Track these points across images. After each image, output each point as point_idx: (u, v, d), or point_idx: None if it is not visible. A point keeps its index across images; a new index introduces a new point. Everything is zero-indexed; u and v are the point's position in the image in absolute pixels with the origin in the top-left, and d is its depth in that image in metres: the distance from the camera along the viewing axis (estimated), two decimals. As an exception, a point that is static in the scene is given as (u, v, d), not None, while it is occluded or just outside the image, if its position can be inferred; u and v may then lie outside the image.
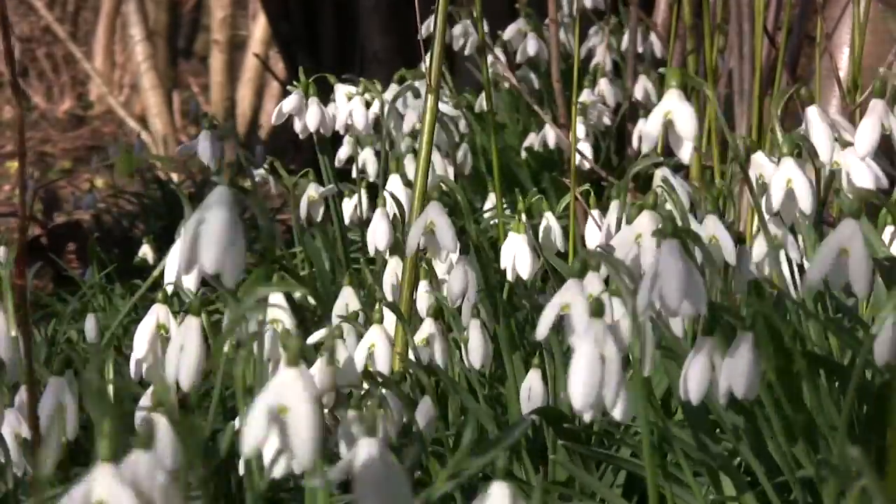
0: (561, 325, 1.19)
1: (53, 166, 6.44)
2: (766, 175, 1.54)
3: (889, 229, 1.59)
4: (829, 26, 2.23)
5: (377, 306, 1.65)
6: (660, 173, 1.61)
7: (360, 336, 1.62)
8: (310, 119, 2.14)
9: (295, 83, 2.17)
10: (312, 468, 0.88)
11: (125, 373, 1.77)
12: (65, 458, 1.63)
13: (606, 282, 1.21)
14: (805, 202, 1.42)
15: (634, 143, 2.81)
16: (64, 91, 8.30)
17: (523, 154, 2.87)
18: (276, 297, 1.25)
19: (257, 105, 6.53)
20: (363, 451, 0.90)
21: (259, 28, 6.47)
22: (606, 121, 2.78)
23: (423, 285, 1.73)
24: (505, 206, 2.53)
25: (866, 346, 1.21)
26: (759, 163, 1.56)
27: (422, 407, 1.52)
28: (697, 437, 1.35)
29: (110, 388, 1.64)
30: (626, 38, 3.17)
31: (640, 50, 3.08)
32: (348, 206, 2.39)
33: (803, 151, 1.54)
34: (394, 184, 2.07)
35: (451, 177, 2.30)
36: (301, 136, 2.17)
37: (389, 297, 1.78)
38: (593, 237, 1.79)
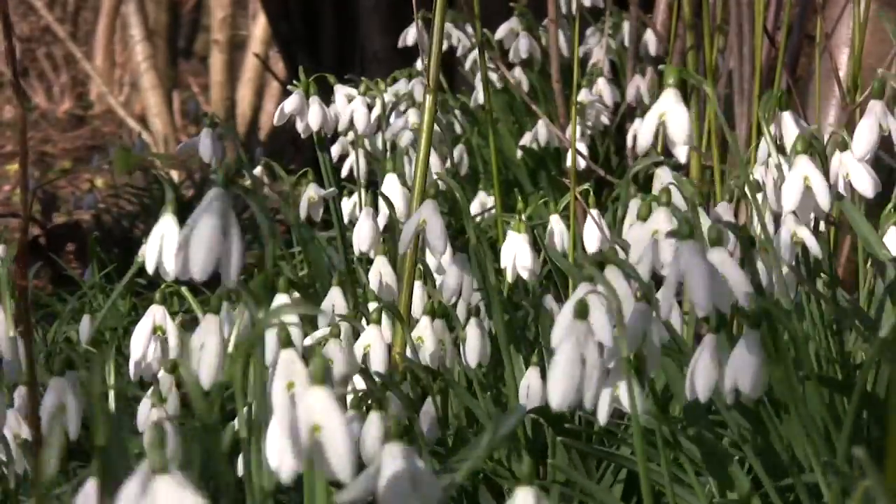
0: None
1: (53, 166, 6.44)
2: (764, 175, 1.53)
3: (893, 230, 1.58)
4: (829, 26, 2.23)
5: (369, 306, 1.65)
6: (661, 173, 1.61)
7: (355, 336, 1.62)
8: (312, 119, 2.13)
9: (295, 83, 2.17)
10: (352, 479, 0.88)
11: (125, 373, 1.77)
12: (64, 458, 1.63)
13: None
14: (823, 199, 1.42)
15: (629, 142, 2.81)
16: (64, 91, 8.30)
17: (519, 153, 2.87)
18: (284, 301, 1.25)
19: (257, 105, 6.53)
20: (388, 458, 0.90)
21: (259, 28, 6.47)
22: (605, 120, 2.78)
23: (418, 285, 1.73)
24: (491, 206, 2.53)
25: (873, 351, 1.22)
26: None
27: (425, 408, 1.52)
28: (700, 437, 1.36)
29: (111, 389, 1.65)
30: (624, 37, 3.18)
31: (643, 50, 3.08)
32: (348, 206, 2.38)
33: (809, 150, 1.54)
34: (390, 183, 2.07)
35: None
36: (303, 136, 2.17)
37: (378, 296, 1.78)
38: (592, 237, 1.78)
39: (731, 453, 1.37)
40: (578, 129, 2.71)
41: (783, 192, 1.43)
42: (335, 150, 2.66)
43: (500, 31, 3.02)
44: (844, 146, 1.54)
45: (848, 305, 1.54)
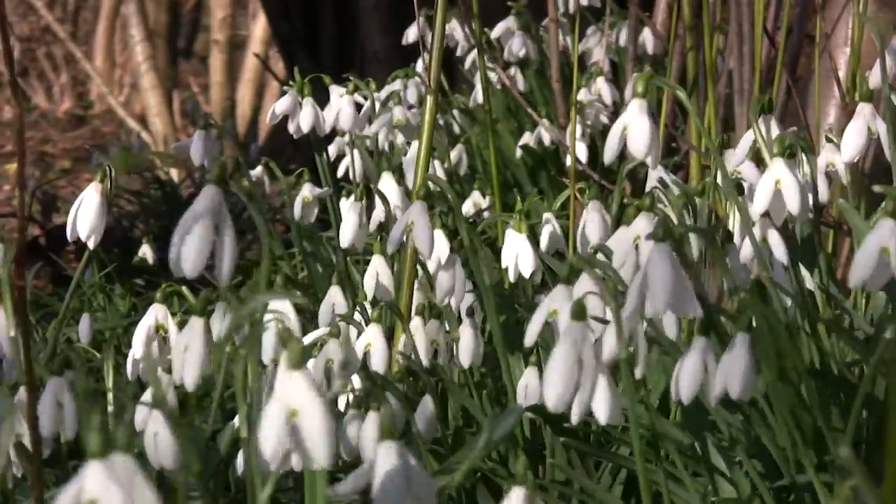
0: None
1: (53, 166, 6.44)
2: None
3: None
4: (829, 26, 2.23)
5: (370, 305, 1.65)
6: (654, 174, 1.61)
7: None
8: (303, 120, 2.13)
9: (291, 83, 2.16)
10: (330, 466, 0.87)
11: (125, 373, 1.77)
12: (64, 458, 1.63)
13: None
14: (793, 204, 1.41)
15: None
16: (64, 91, 8.30)
17: (518, 153, 2.87)
18: (281, 302, 1.26)
19: (257, 105, 6.53)
20: (383, 457, 0.90)
21: (259, 28, 6.47)
22: (604, 119, 2.78)
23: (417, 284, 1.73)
24: (487, 206, 2.53)
25: (877, 354, 1.21)
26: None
27: (421, 407, 1.52)
28: (700, 438, 1.35)
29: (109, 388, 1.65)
30: (623, 37, 3.17)
31: (640, 50, 3.08)
32: (346, 206, 2.38)
33: (799, 152, 1.53)
34: (386, 182, 2.06)
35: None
36: (295, 137, 2.16)
37: (370, 296, 1.77)
38: (593, 232, 1.77)
39: (729, 455, 1.37)
40: (578, 128, 2.71)
41: (755, 195, 1.43)
42: (332, 151, 2.66)
43: (497, 30, 3.01)
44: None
45: (839, 313, 1.53)
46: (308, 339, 1.53)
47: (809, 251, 1.58)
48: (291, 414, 0.87)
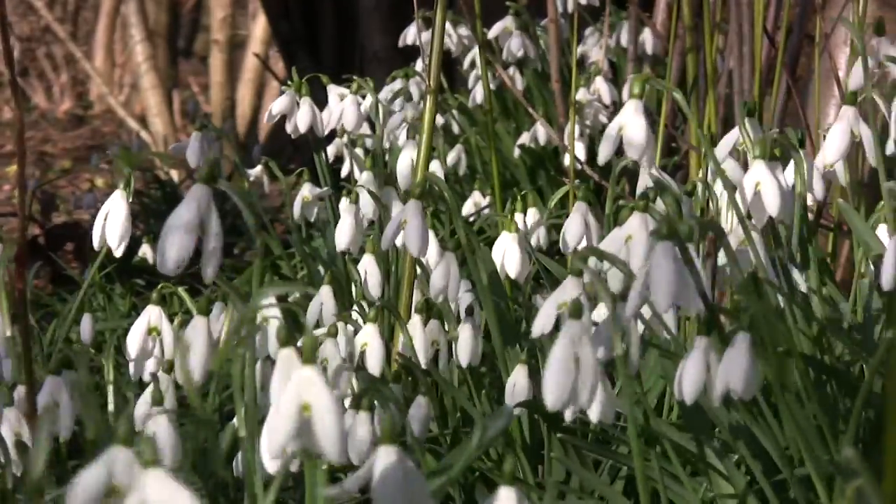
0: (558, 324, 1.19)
1: (53, 166, 6.44)
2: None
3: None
4: (829, 26, 2.23)
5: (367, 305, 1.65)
6: (647, 173, 1.61)
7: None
8: (300, 120, 2.13)
9: (289, 83, 2.16)
10: (342, 462, 0.87)
11: (125, 373, 1.77)
12: (63, 458, 1.63)
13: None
14: (773, 206, 1.40)
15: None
16: (64, 91, 8.30)
17: (516, 152, 2.87)
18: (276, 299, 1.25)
19: (257, 105, 6.52)
20: (382, 459, 0.90)
21: (259, 27, 6.47)
22: (603, 119, 2.78)
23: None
24: (486, 204, 2.53)
25: (879, 354, 1.21)
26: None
27: (415, 406, 1.51)
28: (697, 438, 1.36)
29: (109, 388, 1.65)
30: (622, 37, 3.17)
31: (640, 50, 3.08)
32: (342, 208, 2.38)
33: (799, 151, 1.53)
34: (367, 181, 2.06)
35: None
36: (293, 137, 2.16)
37: (357, 295, 1.77)
38: (573, 233, 1.77)
39: (728, 455, 1.37)
40: (577, 128, 2.71)
41: (739, 196, 1.42)
42: (331, 151, 2.66)
43: (494, 30, 3.01)
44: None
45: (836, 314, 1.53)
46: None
47: (805, 252, 1.58)
48: (304, 408, 0.87)
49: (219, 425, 1.70)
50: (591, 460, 1.48)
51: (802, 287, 1.51)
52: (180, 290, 1.64)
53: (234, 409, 1.35)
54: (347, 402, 1.52)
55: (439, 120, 2.85)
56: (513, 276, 1.75)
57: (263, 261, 1.65)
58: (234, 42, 6.93)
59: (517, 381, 1.52)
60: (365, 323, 1.60)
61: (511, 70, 3.06)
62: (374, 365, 1.57)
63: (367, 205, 1.98)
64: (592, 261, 1.22)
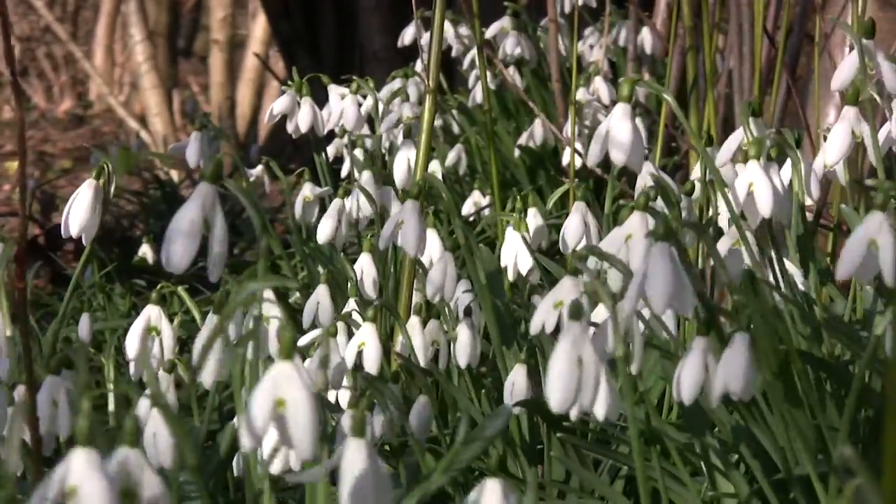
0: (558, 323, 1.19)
1: (53, 166, 6.44)
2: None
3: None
4: (829, 26, 2.23)
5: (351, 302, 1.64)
6: (646, 172, 1.61)
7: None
8: (301, 119, 2.13)
9: (289, 83, 2.16)
10: (312, 459, 0.88)
11: (125, 373, 1.77)
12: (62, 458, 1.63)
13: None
14: (765, 207, 1.40)
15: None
16: (64, 91, 8.30)
17: (516, 152, 2.87)
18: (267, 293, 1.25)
19: (257, 104, 6.53)
20: (350, 451, 0.91)
21: (259, 27, 6.47)
22: (602, 119, 2.78)
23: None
24: (486, 204, 2.53)
25: (870, 350, 1.21)
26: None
27: (417, 406, 1.52)
28: (699, 437, 1.36)
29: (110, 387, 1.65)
30: (622, 37, 3.17)
31: (639, 49, 3.08)
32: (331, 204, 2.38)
33: (794, 151, 1.53)
34: (367, 181, 2.07)
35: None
36: (294, 136, 2.16)
37: (354, 294, 1.77)
38: (573, 233, 1.77)
39: (727, 454, 1.37)
40: (577, 127, 2.71)
41: (732, 196, 1.42)
42: (331, 151, 2.66)
43: (492, 30, 3.01)
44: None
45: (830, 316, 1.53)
46: (305, 340, 1.53)
47: (804, 251, 1.58)
48: (278, 403, 0.87)
49: (219, 425, 1.70)
50: (591, 460, 1.48)
51: (801, 285, 1.51)
52: (180, 289, 1.64)
53: (234, 409, 1.35)
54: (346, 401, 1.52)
55: (438, 120, 2.85)
56: (524, 273, 1.75)
57: (264, 260, 1.64)
58: (234, 42, 6.94)
59: (516, 381, 1.52)
60: (364, 322, 1.60)
61: (510, 70, 3.06)
62: (371, 365, 1.57)
63: (366, 204, 1.98)
64: (592, 260, 1.22)
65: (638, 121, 2.91)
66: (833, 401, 1.33)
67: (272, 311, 1.06)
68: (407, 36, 3.03)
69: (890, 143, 1.55)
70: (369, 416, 1.30)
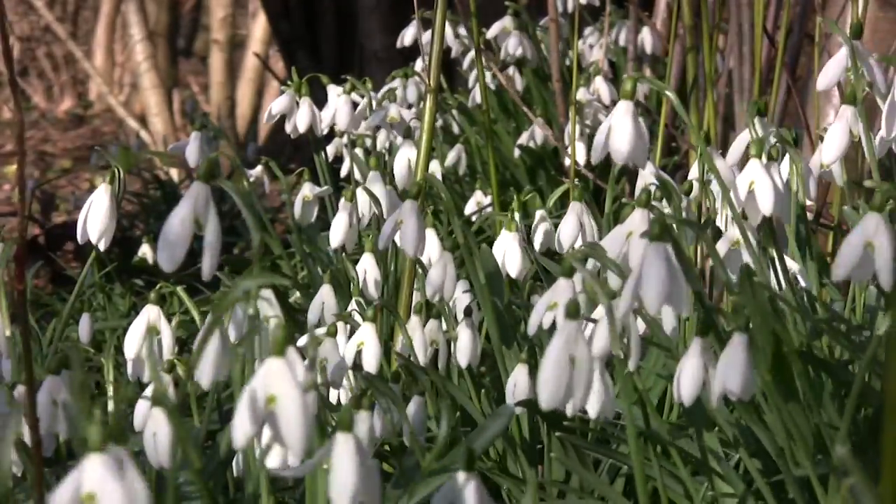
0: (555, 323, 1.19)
1: (53, 166, 6.44)
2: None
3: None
4: (826, 26, 2.23)
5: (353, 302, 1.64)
6: (648, 172, 1.61)
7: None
8: (300, 119, 2.13)
9: (289, 83, 2.16)
10: (306, 456, 0.88)
11: (125, 373, 1.77)
12: (63, 457, 1.63)
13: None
14: (766, 205, 1.40)
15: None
16: (64, 91, 8.30)
17: (516, 152, 2.87)
18: (267, 293, 1.25)
19: (257, 104, 6.53)
20: (338, 446, 0.91)
21: (259, 27, 6.47)
22: (603, 119, 2.78)
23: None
24: (486, 205, 2.53)
25: (870, 351, 1.21)
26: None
27: (412, 406, 1.52)
28: (699, 437, 1.36)
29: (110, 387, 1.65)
30: (622, 37, 3.17)
31: (639, 49, 3.08)
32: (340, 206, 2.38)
33: (791, 151, 1.53)
34: (373, 181, 2.07)
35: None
36: (292, 136, 2.16)
37: (357, 294, 1.78)
38: (569, 233, 1.76)
39: (726, 454, 1.37)
40: (577, 127, 2.71)
41: (734, 195, 1.42)
42: (331, 151, 2.66)
43: (493, 30, 3.01)
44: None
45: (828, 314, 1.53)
46: (304, 339, 1.53)
47: (804, 251, 1.58)
48: (270, 400, 0.87)
49: (219, 425, 1.70)
50: (590, 460, 1.48)
51: (802, 282, 1.51)
52: (179, 289, 1.64)
53: (233, 409, 1.35)
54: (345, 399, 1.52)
55: (438, 120, 2.85)
56: (513, 275, 1.75)
57: (263, 260, 1.65)
58: (234, 42, 6.94)
59: (518, 381, 1.52)
60: (364, 322, 1.60)
61: (511, 70, 3.06)
62: (370, 364, 1.57)
63: (366, 204, 1.98)
64: (593, 260, 1.22)
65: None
66: (833, 401, 1.33)
67: (273, 311, 1.06)
68: (407, 36, 3.03)
69: (887, 143, 1.55)
70: (369, 416, 1.30)
